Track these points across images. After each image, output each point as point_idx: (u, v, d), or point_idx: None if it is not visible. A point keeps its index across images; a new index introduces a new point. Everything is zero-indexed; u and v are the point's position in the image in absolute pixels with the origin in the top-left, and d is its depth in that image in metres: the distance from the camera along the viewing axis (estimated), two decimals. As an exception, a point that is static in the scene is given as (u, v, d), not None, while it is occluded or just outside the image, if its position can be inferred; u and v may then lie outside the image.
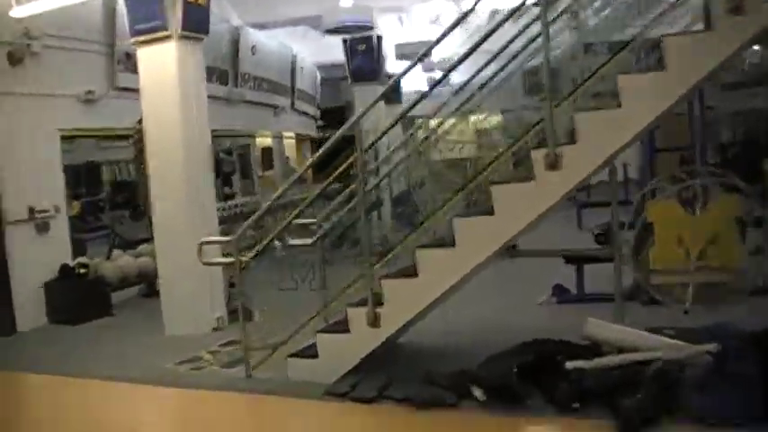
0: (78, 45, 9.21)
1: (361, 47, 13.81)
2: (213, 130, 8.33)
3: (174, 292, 7.58)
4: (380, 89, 14.92)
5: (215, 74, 12.14)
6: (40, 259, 8.54)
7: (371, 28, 10.21)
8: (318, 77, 19.59)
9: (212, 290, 7.61)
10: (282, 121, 16.34)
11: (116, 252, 10.01)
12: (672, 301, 6.22)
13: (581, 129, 4.85)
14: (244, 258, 5.83)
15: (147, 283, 9.73)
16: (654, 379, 4.59)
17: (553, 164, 4.85)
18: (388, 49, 14.48)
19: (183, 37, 7.36)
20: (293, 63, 16.34)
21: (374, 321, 5.36)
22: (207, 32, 7.71)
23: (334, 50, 16.85)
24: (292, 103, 16.62)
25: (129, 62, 9.97)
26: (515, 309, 7.62)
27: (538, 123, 5.11)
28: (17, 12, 7.84)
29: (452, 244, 5.15)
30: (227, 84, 12.89)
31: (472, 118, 6.85)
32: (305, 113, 18.31)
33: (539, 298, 7.87)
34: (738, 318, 5.32)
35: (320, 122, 20.54)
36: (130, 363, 6.72)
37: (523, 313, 7.48)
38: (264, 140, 16.36)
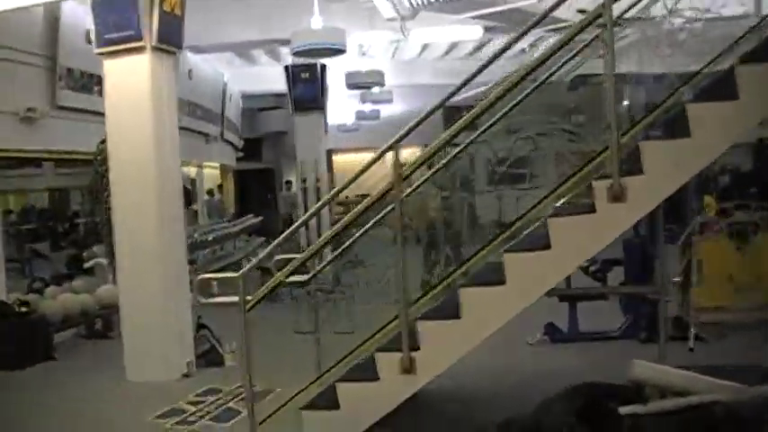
0: (17, 57, 8.25)
1: (305, 75, 13.22)
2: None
3: (138, 332, 6.71)
4: (321, 119, 14.52)
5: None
6: (-31, 296, 7.48)
7: (344, 51, 9.71)
8: (241, 107, 18.85)
9: (181, 331, 6.81)
10: (212, 151, 15.50)
11: (52, 288, 8.93)
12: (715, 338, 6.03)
13: (648, 158, 4.54)
14: (251, 298, 5.12)
15: (87, 324, 8.72)
16: (727, 423, 4.34)
17: (617, 196, 4.51)
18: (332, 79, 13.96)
19: (157, 49, 6.63)
20: (224, 91, 15.60)
21: (409, 367, 4.80)
22: (180, 47, 7.01)
23: (259, 79, 16.34)
24: (222, 133, 15.83)
25: (71, 78, 9.11)
26: (507, 349, 7.14)
27: (601, 153, 4.76)
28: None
29: (501, 282, 4.69)
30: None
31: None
32: (230, 143, 17.51)
33: (529, 338, 7.52)
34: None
35: (240, 153, 19.82)
36: (101, 416, 5.82)
37: (517, 354, 7.13)
38: (192, 170, 15.48)
